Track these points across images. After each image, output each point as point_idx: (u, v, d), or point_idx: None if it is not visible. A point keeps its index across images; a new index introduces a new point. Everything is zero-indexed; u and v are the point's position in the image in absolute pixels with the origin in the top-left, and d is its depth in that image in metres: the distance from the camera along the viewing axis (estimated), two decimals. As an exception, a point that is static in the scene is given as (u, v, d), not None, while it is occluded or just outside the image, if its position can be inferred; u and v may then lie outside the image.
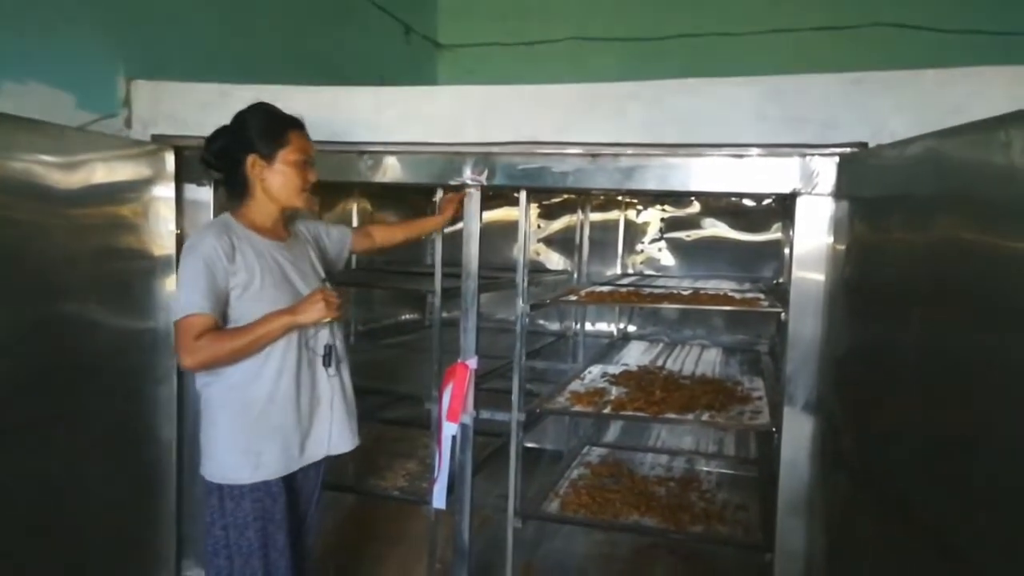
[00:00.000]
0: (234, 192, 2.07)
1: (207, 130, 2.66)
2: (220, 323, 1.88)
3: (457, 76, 5.26)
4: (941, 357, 1.49)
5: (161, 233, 2.65)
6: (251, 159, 1.99)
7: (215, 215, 2.74)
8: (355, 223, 4.19)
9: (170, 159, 2.66)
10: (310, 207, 2.08)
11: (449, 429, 2.56)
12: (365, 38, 4.54)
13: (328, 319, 1.95)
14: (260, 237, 2.02)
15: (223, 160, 2.04)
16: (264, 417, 1.95)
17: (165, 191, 2.65)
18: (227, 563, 1.96)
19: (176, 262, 2.69)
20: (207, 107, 2.72)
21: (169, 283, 2.67)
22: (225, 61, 3.29)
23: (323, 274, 2.18)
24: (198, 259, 1.87)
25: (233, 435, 1.95)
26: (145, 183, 2.58)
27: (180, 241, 2.70)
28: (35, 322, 2.13)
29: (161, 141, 2.69)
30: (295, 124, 2.06)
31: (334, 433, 2.10)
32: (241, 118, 2.04)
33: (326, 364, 2.05)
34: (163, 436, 2.72)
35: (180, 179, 2.70)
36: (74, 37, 2.56)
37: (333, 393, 2.09)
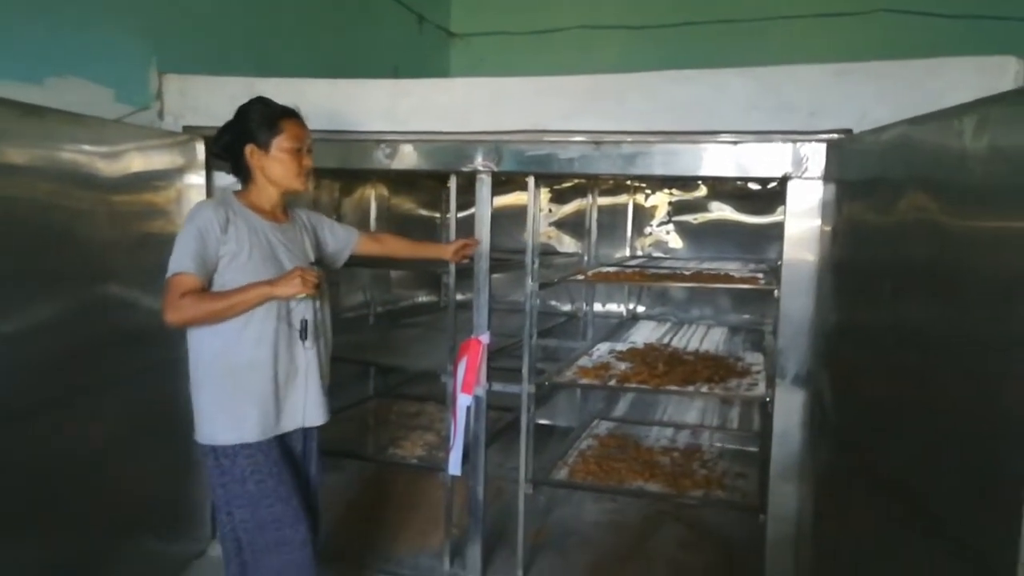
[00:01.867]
0: (239, 178, 2.24)
1: (235, 121, 2.85)
2: (205, 286, 2.03)
3: (469, 65, 5.40)
4: (907, 331, 1.64)
5: (193, 218, 2.83)
6: (249, 148, 2.14)
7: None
8: (373, 209, 4.36)
9: (201, 149, 2.84)
10: (307, 189, 2.23)
11: (463, 400, 2.73)
12: (380, 29, 4.69)
13: (303, 295, 2.07)
14: (257, 216, 2.15)
15: (228, 151, 2.21)
16: (245, 383, 2.08)
17: (196, 179, 2.84)
18: (228, 518, 2.12)
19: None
20: (234, 100, 2.88)
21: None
22: (248, 54, 3.46)
23: (312, 259, 2.30)
24: (194, 226, 2.03)
25: (218, 399, 2.08)
26: (178, 171, 2.76)
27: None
28: (82, 301, 2.33)
29: (192, 132, 2.86)
30: (288, 114, 2.19)
31: (308, 405, 2.21)
32: (241, 111, 2.19)
33: (302, 337, 2.17)
34: (197, 408, 2.91)
35: (209, 167, 2.89)
36: (111, 33, 2.73)
37: (308, 366, 2.20)
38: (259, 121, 2.15)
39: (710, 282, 3.04)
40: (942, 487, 1.43)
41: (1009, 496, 1.15)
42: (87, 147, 2.30)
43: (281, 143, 2.14)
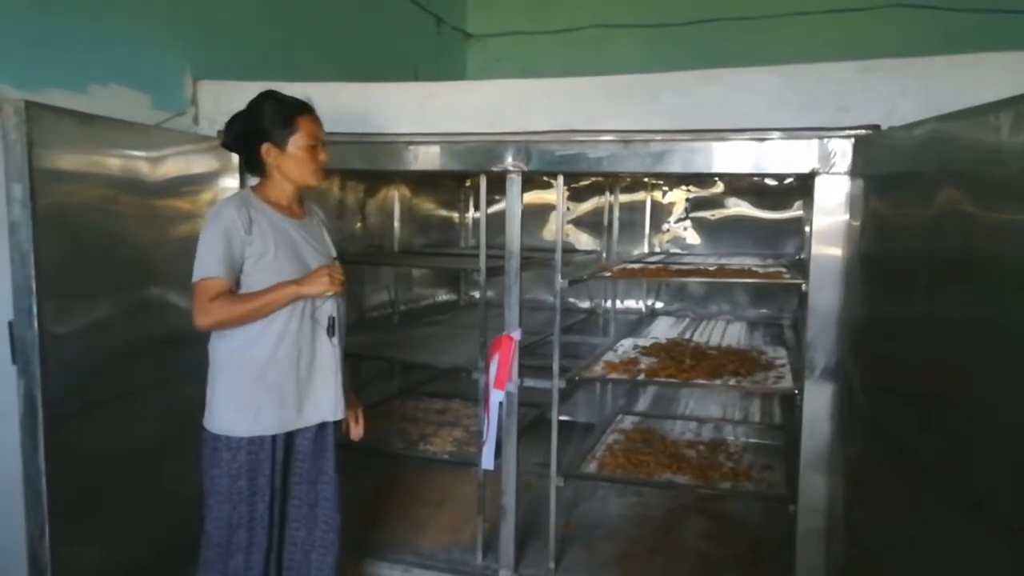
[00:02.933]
0: (253, 172, 2.26)
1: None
2: (233, 288, 2.05)
3: (485, 65, 5.46)
4: (943, 322, 1.69)
5: (228, 221, 2.90)
6: (265, 147, 2.14)
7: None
8: (397, 209, 4.43)
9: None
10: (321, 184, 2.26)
11: (496, 396, 2.79)
12: (399, 31, 4.75)
13: (331, 293, 2.12)
14: (277, 213, 2.17)
15: (241, 144, 2.20)
16: (263, 377, 2.11)
17: (231, 183, 2.90)
18: (219, 506, 2.15)
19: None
20: (267, 104, 2.96)
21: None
22: (275, 58, 3.52)
23: (334, 253, 2.33)
24: (218, 228, 2.04)
25: (235, 392, 2.11)
26: (214, 175, 2.82)
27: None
28: (132, 302, 2.40)
29: (226, 136, 2.92)
30: (303, 110, 2.17)
31: (334, 399, 2.27)
32: (253, 106, 2.17)
33: (330, 334, 2.21)
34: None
35: (243, 172, 2.94)
36: (148, 42, 2.80)
37: (332, 361, 2.24)
38: (274, 119, 2.14)
39: (737, 277, 3.09)
40: (986, 473, 1.47)
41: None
42: (134, 152, 2.38)
43: (298, 141, 2.15)
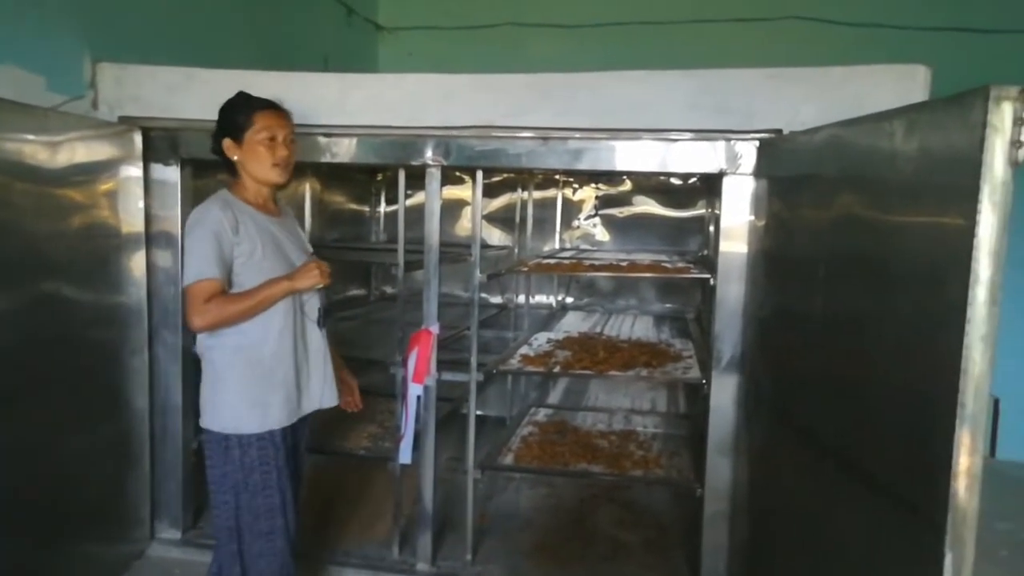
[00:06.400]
0: (227, 173, 2.27)
1: (174, 112, 2.81)
2: (227, 288, 2.07)
3: (397, 58, 5.41)
4: (839, 314, 1.82)
5: (131, 211, 2.77)
6: (226, 142, 2.19)
7: (182, 194, 2.88)
8: (308, 203, 4.35)
9: (138, 140, 2.78)
10: (285, 181, 2.26)
11: (415, 390, 2.79)
12: (309, 20, 4.64)
13: (321, 285, 2.18)
14: (257, 212, 2.20)
15: (215, 145, 2.23)
16: (270, 373, 2.15)
17: (134, 171, 2.77)
18: (225, 506, 2.16)
19: (145, 240, 2.83)
20: (174, 90, 2.84)
21: (138, 260, 2.81)
22: (183, 43, 3.38)
23: (310, 248, 2.39)
24: (206, 230, 2.05)
25: (243, 390, 2.13)
26: (116, 163, 2.69)
27: (148, 219, 2.84)
28: (26, 297, 2.25)
29: (128, 122, 2.79)
30: (262, 106, 2.21)
31: (326, 388, 2.32)
32: (222, 107, 2.23)
33: (321, 325, 2.27)
34: (137, 404, 2.86)
35: (147, 159, 2.83)
36: (43, 20, 2.63)
37: (323, 351, 2.30)
38: (234, 114, 2.19)
39: (649, 272, 3.20)
40: (877, 449, 1.60)
41: (940, 451, 1.32)
42: (33, 137, 2.24)
43: (253, 135, 2.17)
